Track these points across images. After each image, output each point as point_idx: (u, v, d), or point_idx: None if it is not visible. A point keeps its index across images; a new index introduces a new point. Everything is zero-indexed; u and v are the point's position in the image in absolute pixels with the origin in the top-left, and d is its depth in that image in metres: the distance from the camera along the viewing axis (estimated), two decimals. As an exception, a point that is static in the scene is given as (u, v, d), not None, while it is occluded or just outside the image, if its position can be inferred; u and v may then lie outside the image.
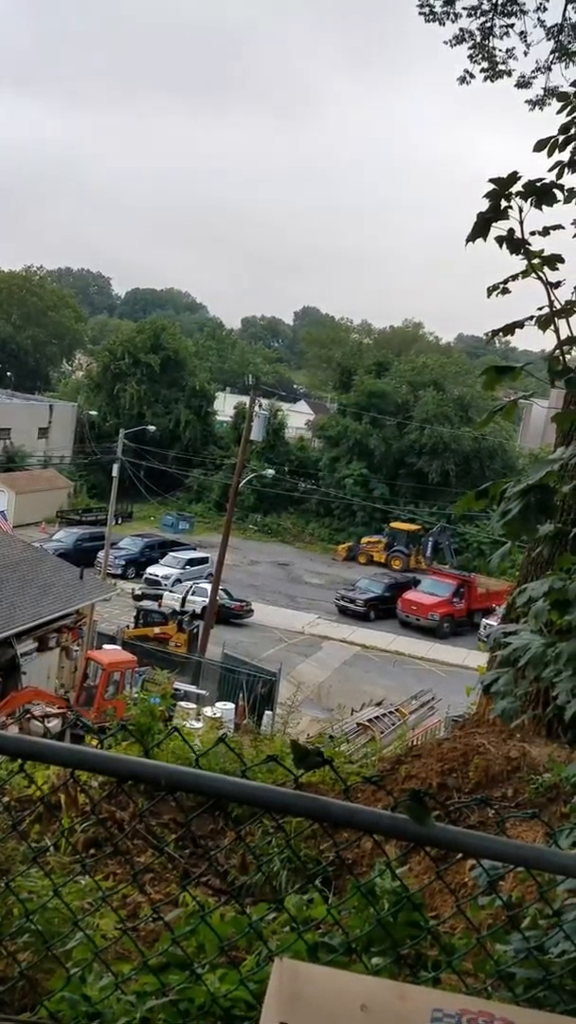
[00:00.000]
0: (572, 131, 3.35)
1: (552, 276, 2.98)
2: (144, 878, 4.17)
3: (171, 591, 40.52)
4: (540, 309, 2.96)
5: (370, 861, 4.44)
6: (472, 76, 13.07)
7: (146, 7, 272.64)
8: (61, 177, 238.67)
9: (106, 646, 27.67)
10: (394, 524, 55.20)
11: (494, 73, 12.97)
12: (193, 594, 38.86)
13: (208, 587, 36.70)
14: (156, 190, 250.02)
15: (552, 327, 2.95)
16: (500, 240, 2.99)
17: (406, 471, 59.88)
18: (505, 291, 3.12)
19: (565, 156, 3.30)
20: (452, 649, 39.24)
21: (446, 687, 28.60)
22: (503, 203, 2.98)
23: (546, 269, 2.97)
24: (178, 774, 2.07)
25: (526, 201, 2.99)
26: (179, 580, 42.46)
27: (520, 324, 3.03)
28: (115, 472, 41.45)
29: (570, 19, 12.37)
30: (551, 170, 3.20)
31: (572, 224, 3.43)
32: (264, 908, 2.71)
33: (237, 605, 39.59)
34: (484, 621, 39.72)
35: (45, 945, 2.54)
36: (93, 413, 65.12)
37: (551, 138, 3.30)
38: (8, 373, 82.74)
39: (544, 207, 3.02)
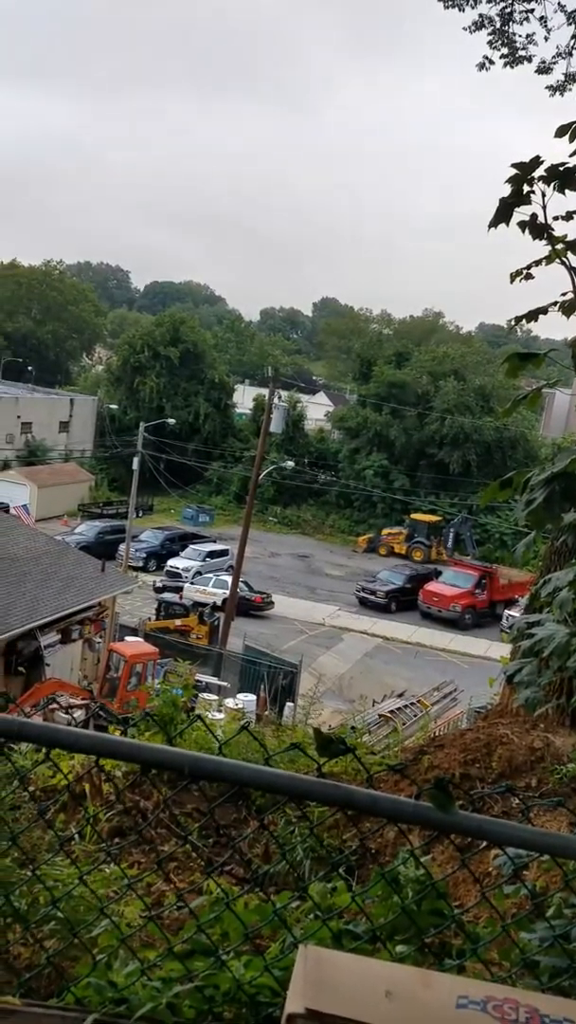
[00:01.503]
0: (595, 114, 3.31)
1: (576, 261, 2.95)
2: (168, 866, 4.20)
3: (191, 583, 40.72)
4: (564, 295, 2.93)
5: (393, 851, 4.44)
6: (492, 62, 12.91)
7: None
8: (79, 171, 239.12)
9: (128, 638, 27.84)
10: (415, 515, 55.03)
11: (514, 59, 12.81)
12: (213, 586, 39.00)
13: (228, 579, 36.80)
14: (173, 183, 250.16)
15: (576, 313, 2.92)
16: (522, 225, 2.96)
17: (427, 462, 59.61)
18: (528, 277, 3.09)
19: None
20: (474, 640, 39.11)
21: (468, 679, 28.54)
22: (525, 188, 2.95)
23: (570, 254, 2.94)
24: (201, 761, 2.08)
25: (549, 186, 2.96)
26: (199, 572, 42.60)
27: (544, 310, 3.00)
28: (135, 465, 41.66)
29: (592, 3, 12.19)
30: (573, 155, 3.17)
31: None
32: (288, 896, 2.71)
33: (257, 597, 39.67)
34: (506, 612, 39.56)
35: (71, 932, 2.56)
36: (113, 407, 65.46)
37: (573, 123, 3.25)
38: (29, 368, 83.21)
39: (567, 192, 2.98)
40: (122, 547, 41.88)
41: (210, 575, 41.48)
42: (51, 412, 63.70)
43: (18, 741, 3.41)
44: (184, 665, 14.89)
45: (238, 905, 2.51)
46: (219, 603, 36.97)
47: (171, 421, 53.66)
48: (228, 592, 35.51)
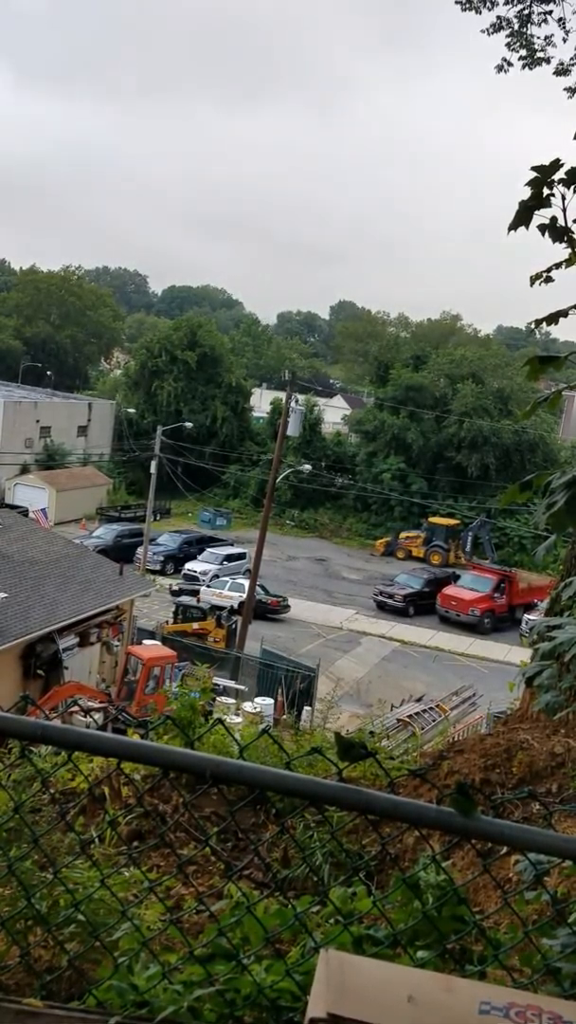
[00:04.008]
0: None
1: (596, 264, 2.93)
2: (187, 870, 4.20)
3: (209, 586, 40.80)
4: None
5: (412, 856, 4.42)
6: (510, 64, 12.89)
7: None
8: (97, 175, 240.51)
9: (146, 641, 27.91)
10: (433, 519, 54.84)
11: (532, 61, 12.77)
12: (230, 589, 39.07)
13: (245, 582, 36.84)
14: (190, 187, 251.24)
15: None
16: (542, 228, 2.95)
17: (444, 465, 59.44)
18: (548, 280, 3.08)
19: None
20: (493, 645, 38.93)
21: (487, 683, 28.41)
22: (545, 191, 2.94)
23: (590, 257, 2.93)
24: (224, 765, 2.09)
25: (569, 189, 2.95)
26: (217, 576, 42.68)
27: (565, 313, 2.99)
28: (153, 469, 41.82)
29: (610, 4, 12.13)
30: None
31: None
32: (308, 900, 2.71)
33: (274, 600, 39.66)
34: (526, 616, 39.35)
35: (92, 934, 2.57)
36: (131, 411, 65.74)
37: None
38: (48, 372, 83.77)
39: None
40: (140, 550, 42.02)
41: (227, 578, 41.55)
42: (70, 416, 64.10)
43: (40, 744, 3.42)
44: (202, 668, 14.92)
45: (258, 909, 2.51)
46: (236, 606, 37.01)
47: (188, 425, 53.85)
48: (245, 595, 35.55)
